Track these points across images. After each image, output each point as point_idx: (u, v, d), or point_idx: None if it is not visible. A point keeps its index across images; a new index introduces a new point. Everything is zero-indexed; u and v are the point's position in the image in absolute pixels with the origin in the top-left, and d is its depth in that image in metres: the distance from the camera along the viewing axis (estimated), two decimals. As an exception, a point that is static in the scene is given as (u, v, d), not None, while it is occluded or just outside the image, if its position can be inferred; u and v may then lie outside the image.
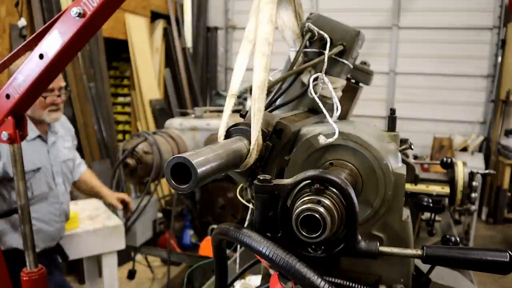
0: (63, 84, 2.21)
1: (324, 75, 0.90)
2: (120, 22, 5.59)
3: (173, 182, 0.58)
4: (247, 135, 0.74)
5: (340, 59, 0.95)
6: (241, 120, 0.81)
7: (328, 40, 0.92)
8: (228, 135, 0.77)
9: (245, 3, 6.99)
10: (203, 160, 0.59)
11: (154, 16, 6.42)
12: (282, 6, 0.91)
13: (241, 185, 1.48)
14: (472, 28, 6.22)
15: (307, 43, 0.96)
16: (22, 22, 3.76)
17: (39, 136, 2.16)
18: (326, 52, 0.90)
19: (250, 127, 0.74)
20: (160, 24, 6.45)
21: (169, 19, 6.62)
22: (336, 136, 0.75)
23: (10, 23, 3.95)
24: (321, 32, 0.93)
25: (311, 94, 0.89)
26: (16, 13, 3.82)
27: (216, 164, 0.62)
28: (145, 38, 6.04)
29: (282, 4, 0.91)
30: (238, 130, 0.76)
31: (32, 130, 2.10)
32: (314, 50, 0.95)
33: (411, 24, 6.49)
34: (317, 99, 0.87)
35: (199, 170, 0.56)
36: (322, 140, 0.75)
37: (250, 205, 1.10)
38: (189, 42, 6.94)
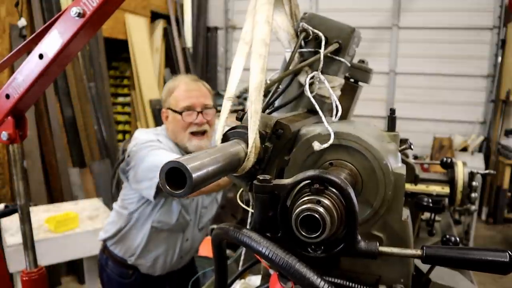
0: (207, 102, 1.83)
1: (320, 73, 0.90)
2: (120, 22, 5.59)
3: (167, 187, 0.56)
4: (244, 138, 0.73)
5: (336, 57, 0.94)
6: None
7: (323, 38, 0.91)
8: (225, 138, 0.76)
9: (245, 3, 6.94)
10: (198, 164, 0.57)
11: (154, 16, 6.42)
12: (276, 8, 0.91)
13: (241, 189, 1.48)
14: (472, 28, 6.22)
15: (302, 43, 0.95)
16: (22, 22, 3.77)
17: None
18: (322, 50, 0.90)
19: (247, 129, 0.73)
20: (160, 24, 6.46)
21: (169, 19, 6.62)
22: (331, 141, 0.75)
23: (10, 23, 3.96)
24: (315, 30, 0.92)
25: (307, 93, 0.89)
26: (16, 13, 3.82)
27: (213, 168, 0.60)
28: (145, 38, 6.05)
29: (276, 5, 0.91)
30: (235, 133, 0.75)
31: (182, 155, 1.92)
32: (310, 49, 0.95)
33: (411, 24, 6.49)
34: (312, 99, 0.86)
35: (194, 175, 0.55)
36: (317, 146, 0.75)
37: (250, 209, 1.10)
38: (189, 42, 6.94)
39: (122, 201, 1.96)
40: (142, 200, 1.84)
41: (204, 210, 2.00)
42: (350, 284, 0.76)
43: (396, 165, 0.78)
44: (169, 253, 1.94)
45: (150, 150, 1.73)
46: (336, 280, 0.75)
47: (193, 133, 1.81)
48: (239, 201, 1.44)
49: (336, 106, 0.88)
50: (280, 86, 0.97)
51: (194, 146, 1.81)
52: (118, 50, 6.13)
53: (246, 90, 5.05)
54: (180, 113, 1.78)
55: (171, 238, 1.92)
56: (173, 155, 1.69)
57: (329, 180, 0.61)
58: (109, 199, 4.24)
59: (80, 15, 1.04)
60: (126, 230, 1.92)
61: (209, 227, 2.14)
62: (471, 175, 1.42)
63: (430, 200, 1.31)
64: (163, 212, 1.84)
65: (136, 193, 1.84)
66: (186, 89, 1.82)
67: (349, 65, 0.98)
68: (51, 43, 1.09)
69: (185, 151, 1.85)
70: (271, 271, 0.82)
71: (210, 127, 1.85)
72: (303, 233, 0.61)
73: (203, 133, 1.83)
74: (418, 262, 0.93)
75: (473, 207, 1.48)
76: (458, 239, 1.17)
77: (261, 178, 0.65)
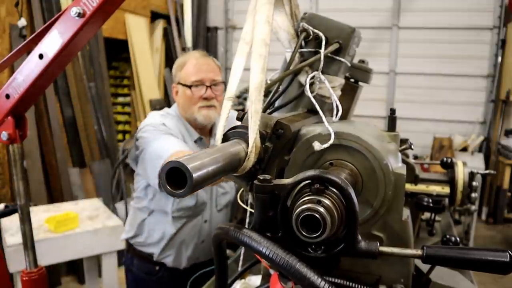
0: (216, 77, 1.88)
1: (320, 73, 0.90)
2: (120, 22, 5.59)
3: (168, 187, 0.56)
4: (245, 138, 0.73)
5: (337, 57, 0.94)
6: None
7: (323, 38, 0.91)
8: (225, 138, 0.76)
9: (245, 3, 6.96)
10: (199, 164, 0.57)
11: (154, 16, 6.42)
12: (276, 8, 0.91)
13: (241, 189, 1.48)
14: (472, 28, 6.22)
15: (303, 43, 0.95)
16: (22, 22, 3.77)
17: (200, 139, 1.92)
18: (322, 50, 0.90)
19: (247, 129, 0.73)
20: (160, 24, 6.46)
21: (169, 19, 6.62)
22: (331, 141, 0.75)
23: (10, 23, 3.96)
24: (316, 30, 0.92)
25: (308, 93, 0.89)
26: (16, 13, 3.82)
27: (213, 168, 0.60)
28: (145, 38, 6.05)
29: (276, 5, 0.91)
30: (236, 133, 0.75)
31: (191, 135, 1.89)
32: (310, 49, 0.95)
33: (411, 24, 6.48)
34: (312, 99, 0.87)
35: (194, 175, 0.55)
36: (317, 146, 0.75)
37: (248, 208, 1.10)
38: (189, 42, 6.94)
39: (136, 197, 1.98)
40: (152, 190, 1.85)
41: (220, 189, 1.99)
42: (350, 284, 0.76)
43: (396, 165, 0.78)
44: (191, 239, 1.93)
45: (155, 135, 1.73)
46: (336, 280, 0.75)
47: (202, 107, 1.85)
48: (239, 201, 1.44)
49: (337, 106, 0.88)
50: (281, 86, 0.97)
51: (203, 116, 1.84)
52: (118, 50, 6.13)
53: (246, 90, 5.05)
54: (190, 87, 1.82)
55: (190, 223, 1.91)
56: (176, 142, 1.69)
57: (330, 180, 0.61)
58: (109, 199, 4.24)
59: (80, 15, 1.04)
60: (146, 225, 1.92)
61: (229, 210, 2.09)
62: (471, 175, 1.42)
63: (430, 200, 1.31)
64: (179, 200, 1.82)
65: (146, 183, 1.86)
66: (196, 63, 1.86)
67: (349, 65, 0.98)
68: (51, 43, 1.09)
69: (194, 124, 1.89)
70: (272, 271, 0.82)
71: (219, 102, 1.88)
72: (304, 233, 0.61)
73: (211, 107, 1.87)
74: (418, 262, 0.93)
75: (473, 207, 1.48)
76: (458, 239, 1.17)
77: (261, 178, 0.65)
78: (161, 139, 1.70)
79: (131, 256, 2.02)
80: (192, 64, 1.86)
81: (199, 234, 1.95)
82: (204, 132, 1.96)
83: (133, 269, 2.01)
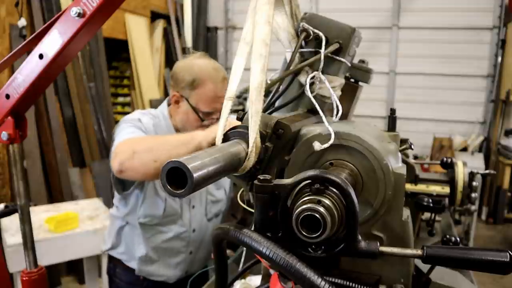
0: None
1: (321, 73, 0.90)
2: (120, 22, 5.59)
3: (168, 187, 0.56)
4: (245, 138, 0.73)
5: (337, 57, 0.94)
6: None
7: (324, 38, 0.91)
8: (226, 138, 0.76)
9: (245, 3, 6.97)
10: (199, 164, 0.57)
11: (154, 16, 6.42)
12: (276, 8, 0.91)
13: (241, 189, 1.48)
14: (472, 28, 6.22)
15: (303, 43, 0.95)
16: (22, 22, 3.77)
17: None
18: (322, 50, 0.90)
19: (248, 129, 0.73)
20: (160, 24, 6.46)
21: (169, 19, 6.62)
22: (331, 141, 0.75)
23: (10, 23, 3.96)
24: (316, 30, 0.92)
25: (308, 93, 0.89)
26: (16, 13, 3.82)
27: (213, 168, 0.60)
28: (145, 38, 6.05)
29: (276, 5, 0.91)
30: (236, 133, 0.75)
31: None
32: (310, 49, 0.95)
33: (411, 24, 6.49)
34: (313, 99, 0.87)
35: (195, 175, 0.55)
36: (317, 146, 0.75)
37: (245, 206, 1.10)
38: (189, 42, 6.94)
39: (114, 205, 1.89)
40: (124, 195, 1.76)
41: (211, 197, 1.87)
42: (350, 284, 0.76)
43: (396, 165, 0.78)
44: (177, 251, 1.81)
45: (123, 128, 1.63)
46: (336, 280, 0.75)
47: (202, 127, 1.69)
48: (239, 201, 1.44)
49: (337, 106, 0.88)
50: (281, 86, 0.97)
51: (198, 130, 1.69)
52: (118, 50, 6.13)
53: (246, 90, 5.06)
54: (200, 115, 1.66)
55: (171, 232, 1.78)
56: (138, 133, 1.60)
57: (330, 180, 0.61)
58: (109, 199, 4.23)
59: (80, 15, 1.03)
60: (123, 233, 1.83)
61: (220, 221, 1.97)
62: (471, 175, 1.42)
63: (430, 200, 1.31)
64: (148, 204, 1.71)
65: (119, 184, 1.76)
66: (214, 93, 1.64)
67: (349, 65, 0.98)
68: (51, 43, 1.09)
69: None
70: (272, 271, 0.82)
71: None
72: (304, 233, 0.61)
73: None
74: (418, 262, 0.93)
75: (473, 207, 1.48)
76: (458, 239, 1.17)
77: (261, 178, 0.65)
78: (128, 130, 1.60)
79: (114, 265, 1.90)
80: (210, 90, 1.63)
81: (187, 245, 1.82)
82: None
83: (116, 280, 1.89)
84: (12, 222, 2.70)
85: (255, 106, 0.74)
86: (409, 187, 1.41)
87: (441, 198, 1.41)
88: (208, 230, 1.89)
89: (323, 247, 0.64)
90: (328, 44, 0.92)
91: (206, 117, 1.66)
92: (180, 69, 1.69)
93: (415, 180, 1.41)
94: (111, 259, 1.93)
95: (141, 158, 1.42)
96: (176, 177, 0.56)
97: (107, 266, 1.98)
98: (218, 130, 0.77)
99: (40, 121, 4.18)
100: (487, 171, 1.60)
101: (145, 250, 1.77)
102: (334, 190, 0.62)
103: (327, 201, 0.61)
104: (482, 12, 6.17)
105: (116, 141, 1.58)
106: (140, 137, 1.59)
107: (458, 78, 6.38)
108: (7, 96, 1.17)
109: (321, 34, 0.92)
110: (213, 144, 0.76)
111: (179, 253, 1.82)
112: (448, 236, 1.18)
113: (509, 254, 0.60)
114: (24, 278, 1.30)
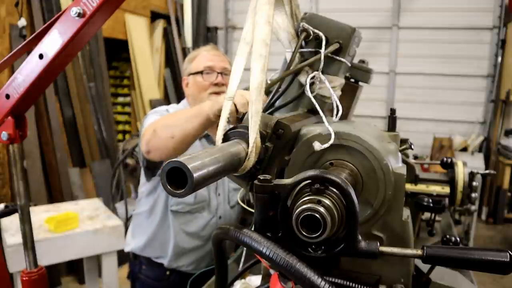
0: (227, 66, 1.89)
1: (321, 73, 0.90)
2: (120, 22, 5.59)
3: (169, 187, 0.56)
4: (245, 138, 0.73)
5: (337, 57, 0.94)
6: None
7: (324, 38, 0.91)
8: (226, 138, 0.76)
9: (245, 3, 6.96)
10: (199, 164, 0.57)
11: (154, 16, 6.42)
12: (276, 8, 0.91)
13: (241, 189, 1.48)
14: (472, 28, 6.22)
15: (303, 43, 0.95)
16: (22, 22, 3.77)
17: (205, 136, 1.88)
18: (322, 50, 0.90)
19: (247, 129, 0.73)
20: (160, 24, 6.46)
21: (169, 19, 6.62)
22: (331, 141, 0.75)
23: (10, 23, 3.96)
24: (316, 30, 0.92)
25: (308, 93, 0.89)
26: (16, 13, 3.82)
27: (213, 168, 0.60)
28: (145, 38, 6.05)
29: (276, 5, 0.91)
30: (236, 133, 0.75)
31: None
32: (310, 49, 0.95)
33: (411, 24, 6.48)
34: (313, 99, 0.87)
35: (195, 175, 0.55)
36: (317, 146, 0.75)
37: (245, 206, 1.10)
38: (189, 42, 6.94)
39: (138, 200, 1.96)
40: (152, 184, 1.83)
41: (232, 185, 1.96)
42: (350, 284, 0.76)
43: (396, 165, 0.78)
44: (206, 238, 1.87)
45: (152, 116, 1.73)
46: (336, 280, 0.75)
47: (212, 93, 1.84)
48: (239, 201, 1.44)
49: (337, 106, 0.88)
50: (281, 86, 0.97)
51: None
52: (118, 50, 6.13)
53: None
54: (201, 72, 1.83)
55: (200, 220, 1.85)
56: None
57: (330, 180, 0.61)
58: (109, 199, 4.24)
59: (80, 15, 1.03)
60: (154, 229, 1.87)
61: (241, 207, 2.01)
62: (471, 175, 1.42)
63: (430, 200, 1.31)
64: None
65: (148, 171, 1.83)
66: (207, 54, 1.90)
67: (349, 65, 0.98)
68: (51, 43, 1.09)
69: None
70: (272, 271, 0.82)
71: None
72: (304, 233, 0.61)
73: (221, 93, 1.84)
74: (418, 262, 0.93)
75: (473, 207, 1.48)
76: (458, 239, 1.17)
77: (261, 178, 0.65)
78: (154, 116, 1.71)
79: (139, 263, 1.96)
80: (203, 55, 1.90)
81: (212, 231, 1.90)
82: (212, 129, 1.92)
83: (141, 277, 1.95)
84: (12, 222, 2.70)
85: (255, 106, 0.74)
86: (409, 187, 1.41)
87: (441, 198, 1.41)
88: (232, 218, 1.99)
89: (323, 247, 0.64)
90: (328, 44, 0.92)
91: (206, 78, 1.83)
92: (185, 60, 1.99)
93: (415, 180, 1.41)
94: (135, 258, 1.98)
95: (160, 136, 1.48)
96: (177, 177, 0.56)
97: (131, 267, 2.03)
98: (219, 128, 0.77)
99: (40, 121, 4.18)
100: (487, 171, 1.60)
101: (178, 240, 1.84)
102: (334, 190, 0.62)
103: (327, 201, 0.61)
104: (482, 12, 6.17)
105: (143, 128, 1.67)
106: (160, 118, 1.68)
107: (458, 78, 6.38)
108: (7, 96, 1.17)
109: (321, 34, 0.92)
110: (219, 114, 0.78)
111: (208, 240, 1.89)
112: (448, 236, 1.18)
113: (509, 254, 0.60)
114: (24, 278, 1.30)
